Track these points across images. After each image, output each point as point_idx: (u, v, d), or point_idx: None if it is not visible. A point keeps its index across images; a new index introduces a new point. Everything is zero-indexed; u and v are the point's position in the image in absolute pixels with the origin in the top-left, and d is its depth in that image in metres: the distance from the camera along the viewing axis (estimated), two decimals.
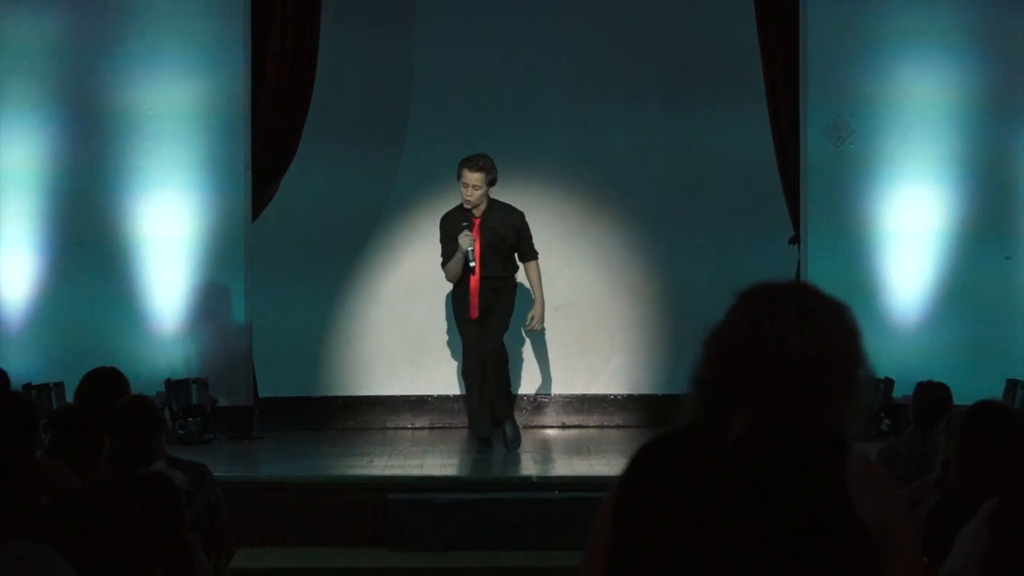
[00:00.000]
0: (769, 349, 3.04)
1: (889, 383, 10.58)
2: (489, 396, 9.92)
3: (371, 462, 9.63)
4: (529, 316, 10.13)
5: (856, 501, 3.00)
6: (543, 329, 10.60)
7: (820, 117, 10.92)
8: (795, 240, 11.10)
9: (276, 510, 8.55)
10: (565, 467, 9.55)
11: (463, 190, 9.89)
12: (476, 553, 8.19)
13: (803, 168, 10.97)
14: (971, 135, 10.93)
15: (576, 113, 11.59)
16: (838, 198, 10.94)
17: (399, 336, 11.57)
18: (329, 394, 11.52)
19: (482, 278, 9.86)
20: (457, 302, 10.04)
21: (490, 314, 9.88)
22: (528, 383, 11.55)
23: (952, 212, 10.96)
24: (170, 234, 10.86)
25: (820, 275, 10.93)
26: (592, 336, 11.51)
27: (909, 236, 10.92)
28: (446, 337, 11.54)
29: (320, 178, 11.41)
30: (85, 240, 10.86)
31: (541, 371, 11.59)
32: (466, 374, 10.09)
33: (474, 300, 9.85)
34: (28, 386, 9.86)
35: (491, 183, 9.92)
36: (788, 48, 11.00)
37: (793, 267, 11.10)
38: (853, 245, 10.94)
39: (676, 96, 11.64)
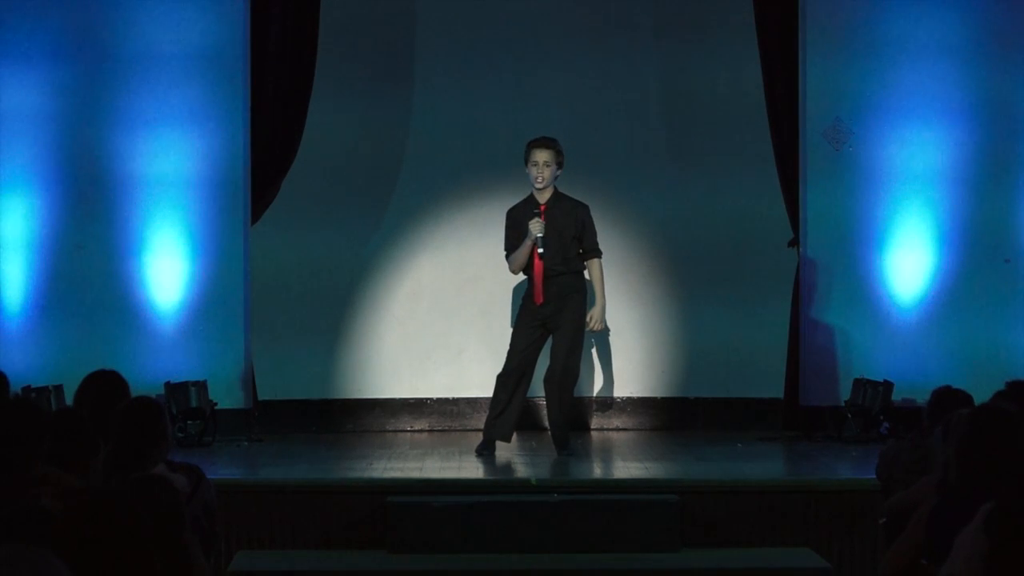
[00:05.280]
0: None
1: (888, 386, 10.58)
2: (552, 415, 10.00)
3: (370, 465, 9.61)
4: (588, 315, 10.01)
5: None
6: (605, 329, 10.52)
7: (819, 120, 10.92)
8: (794, 243, 11.09)
9: (275, 513, 8.54)
10: (564, 470, 9.54)
11: (532, 170, 9.86)
12: (475, 556, 8.18)
13: (802, 171, 10.97)
14: (970, 138, 10.93)
15: (574, 110, 11.57)
16: (837, 201, 10.94)
17: (398, 339, 11.56)
18: (328, 397, 11.51)
19: (545, 270, 9.83)
20: (525, 297, 10.01)
21: (558, 330, 9.86)
22: None
23: (951, 215, 10.95)
24: (170, 238, 10.86)
25: (819, 278, 10.93)
26: (591, 339, 11.49)
27: (908, 239, 10.92)
28: (445, 340, 11.54)
29: (321, 180, 11.41)
30: (85, 243, 10.86)
31: (539, 374, 11.56)
32: (503, 377, 9.98)
33: (539, 287, 9.83)
34: (28, 388, 9.86)
35: (559, 165, 9.88)
36: (787, 52, 11.00)
37: (793, 270, 11.10)
38: (852, 248, 10.94)
39: (676, 94, 11.64)
